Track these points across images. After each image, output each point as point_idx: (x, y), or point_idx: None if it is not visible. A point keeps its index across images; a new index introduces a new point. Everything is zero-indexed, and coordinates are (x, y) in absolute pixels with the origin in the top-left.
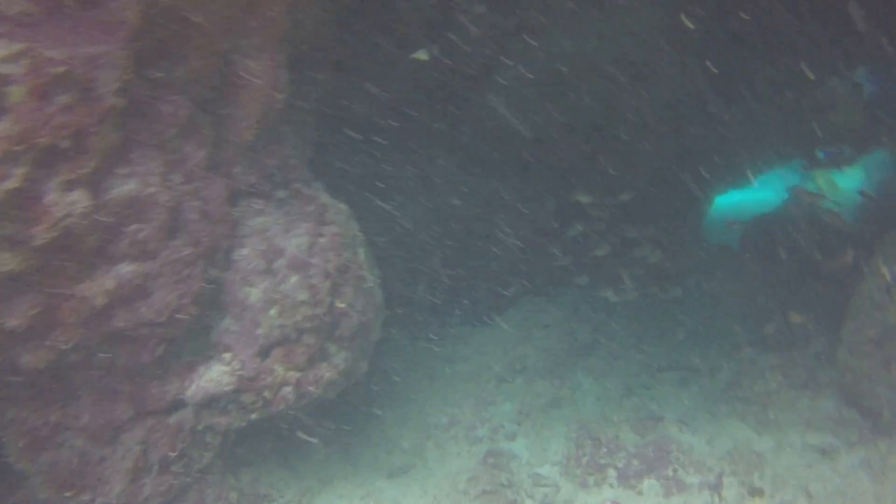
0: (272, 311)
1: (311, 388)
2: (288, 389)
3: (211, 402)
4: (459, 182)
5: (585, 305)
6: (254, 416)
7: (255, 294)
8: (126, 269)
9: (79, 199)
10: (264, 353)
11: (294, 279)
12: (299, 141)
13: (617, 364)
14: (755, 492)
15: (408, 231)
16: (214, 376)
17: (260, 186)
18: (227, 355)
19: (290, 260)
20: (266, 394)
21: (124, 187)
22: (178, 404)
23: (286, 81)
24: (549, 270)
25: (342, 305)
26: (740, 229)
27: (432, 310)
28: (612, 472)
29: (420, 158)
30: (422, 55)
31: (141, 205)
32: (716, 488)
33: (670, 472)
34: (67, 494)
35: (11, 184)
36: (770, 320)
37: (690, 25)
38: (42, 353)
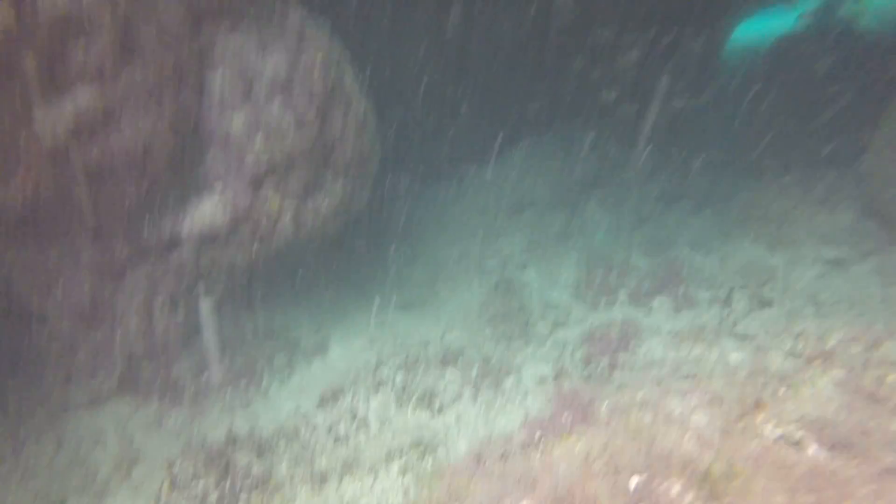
0: (258, 139)
1: (309, 218)
2: (287, 219)
3: (210, 236)
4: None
5: (598, 136)
6: (255, 247)
7: (237, 120)
8: (83, 94)
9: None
10: (256, 182)
11: (277, 103)
12: None
13: (630, 194)
14: (764, 303)
15: (417, 63)
16: (208, 208)
17: (229, 3)
18: (218, 184)
19: (270, 81)
20: (264, 223)
21: (56, 2)
22: (175, 240)
23: None
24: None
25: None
26: (760, 55)
27: (441, 146)
28: (622, 293)
29: None
30: None
31: (80, 23)
32: (726, 302)
33: (681, 290)
34: (87, 328)
35: None
36: (794, 145)
37: None
38: (12, 192)
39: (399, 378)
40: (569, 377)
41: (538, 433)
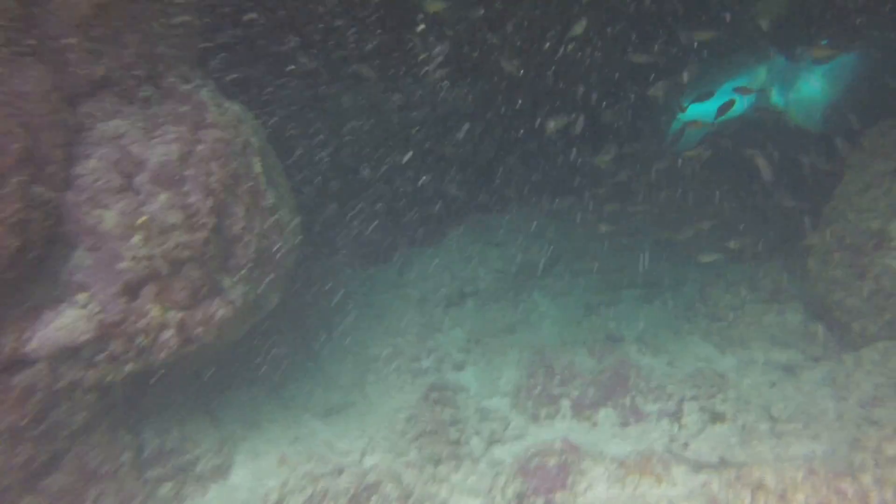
0: (136, 239)
1: (199, 331)
2: (169, 333)
3: (68, 355)
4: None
5: (543, 220)
6: (129, 367)
7: (110, 218)
8: None
9: None
10: (132, 290)
11: (163, 197)
12: (180, 27)
13: (577, 282)
14: (717, 417)
15: (348, 146)
16: (67, 322)
17: (114, 81)
18: (83, 296)
19: (155, 173)
20: (141, 339)
21: None
22: (23, 360)
23: None
24: (503, 184)
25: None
26: (703, 133)
27: (375, 230)
28: (565, 403)
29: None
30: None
31: None
32: (675, 416)
33: (628, 401)
34: None
35: None
36: (738, 232)
37: None
38: None
39: None
40: None
41: None
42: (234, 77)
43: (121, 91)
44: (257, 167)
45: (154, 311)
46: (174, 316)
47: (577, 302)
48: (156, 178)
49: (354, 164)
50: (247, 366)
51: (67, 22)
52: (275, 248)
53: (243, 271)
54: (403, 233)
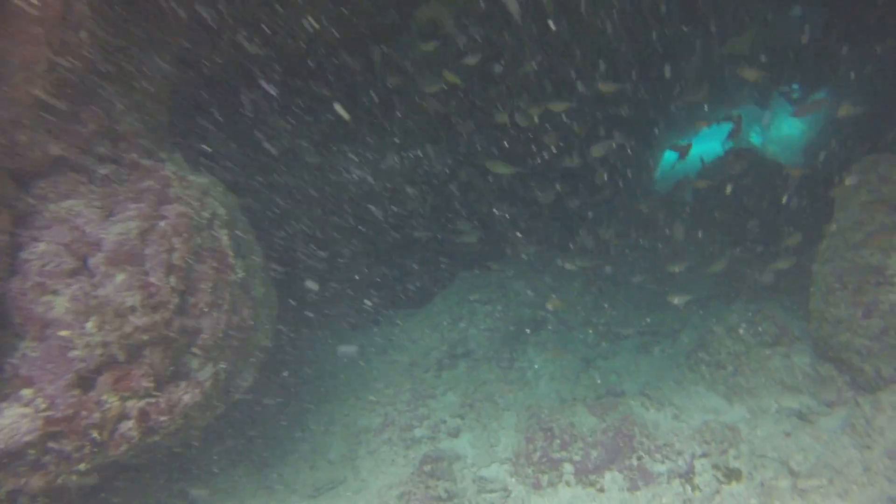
0: (89, 325)
1: (163, 419)
2: (128, 424)
3: (12, 456)
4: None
5: (532, 275)
6: (83, 466)
7: (60, 304)
8: None
9: None
10: (85, 381)
11: (120, 278)
12: (146, 101)
13: (571, 336)
14: (731, 475)
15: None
16: (6, 423)
17: (70, 160)
18: (28, 392)
19: (112, 253)
20: (95, 435)
21: None
22: None
23: (85, 15)
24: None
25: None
26: (689, 182)
27: (361, 295)
28: (568, 468)
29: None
30: None
31: None
32: (687, 476)
33: (635, 461)
34: None
35: None
36: (733, 274)
37: None
38: None
39: None
40: None
41: None
42: (206, 149)
43: (78, 169)
44: (224, 240)
45: (111, 402)
46: (134, 405)
47: (574, 356)
48: (112, 259)
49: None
50: (226, 446)
51: (20, 101)
52: (246, 324)
53: (213, 351)
54: (390, 296)
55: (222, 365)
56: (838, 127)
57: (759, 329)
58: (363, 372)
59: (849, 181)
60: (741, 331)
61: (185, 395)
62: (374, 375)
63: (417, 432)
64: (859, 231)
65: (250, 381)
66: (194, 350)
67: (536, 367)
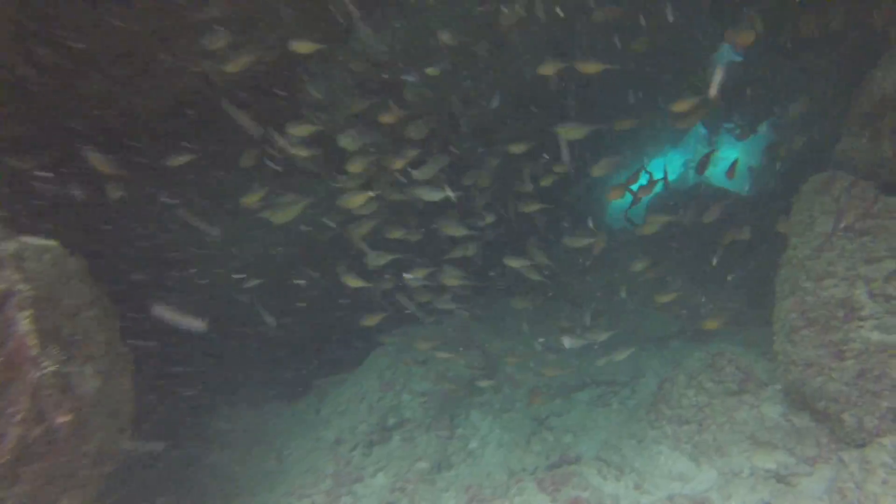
0: None
1: None
2: None
3: None
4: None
5: (471, 325)
6: None
7: None
8: None
9: None
10: None
11: None
12: None
13: (518, 393)
14: None
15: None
16: None
17: None
18: None
19: None
20: None
21: None
22: None
23: None
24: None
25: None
26: (641, 211)
27: (272, 362)
28: None
29: None
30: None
31: None
32: None
33: None
34: None
35: None
36: (688, 306)
37: None
38: None
39: None
40: None
41: None
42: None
43: None
44: (23, 325)
45: None
46: None
47: (524, 416)
48: None
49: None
50: None
51: None
52: (59, 434)
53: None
54: (314, 361)
55: (20, 488)
56: (777, 153)
57: (722, 374)
58: (283, 450)
59: (799, 204)
60: (702, 378)
61: None
62: (295, 456)
63: None
64: (818, 260)
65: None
66: None
67: (482, 433)
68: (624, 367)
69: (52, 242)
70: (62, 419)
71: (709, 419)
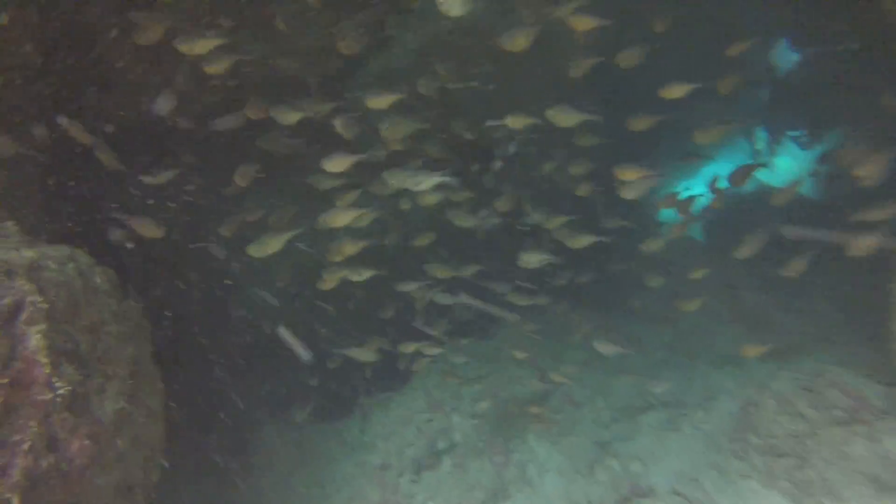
0: None
1: None
2: None
3: None
4: None
5: (524, 341)
6: None
7: None
8: None
9: None
10: None
11: None
12: None
13: (580, 414)
14: None
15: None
16: None
17: None
18: None
19: None
20: None
21: None
22: None
23: None
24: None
25: None
26: (695, 221)
27: (319, 384)
28: None
29: None
30: None
31: None
32: None
33: None
34: None
35: None
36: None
37: None
38: None
39: None
40: None
41: None
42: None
43: None
44: (34, 342)
45: None
46: None
47: (585, 441)
48: None
49: None
50: None
51: None
52: (75, 462)
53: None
54: (359, 379)
55: None
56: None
57: (824, 399)
58: (322, 482)
59: None
60: (798, 403)
61: None
62: (339, 481)
63: None
64: None
65: None
66: None
67: (540, 459)
68: (693, 386)
69: (78, 251)
70: (77, 444)
71: (812, 453)
